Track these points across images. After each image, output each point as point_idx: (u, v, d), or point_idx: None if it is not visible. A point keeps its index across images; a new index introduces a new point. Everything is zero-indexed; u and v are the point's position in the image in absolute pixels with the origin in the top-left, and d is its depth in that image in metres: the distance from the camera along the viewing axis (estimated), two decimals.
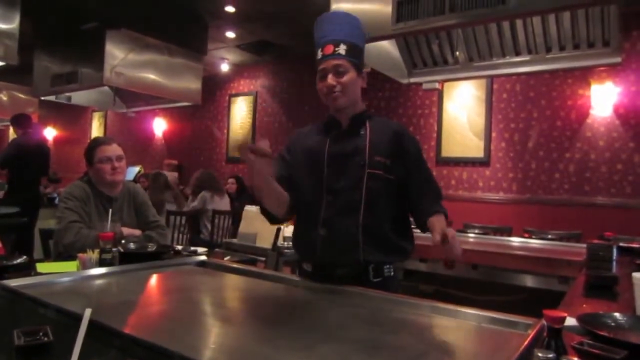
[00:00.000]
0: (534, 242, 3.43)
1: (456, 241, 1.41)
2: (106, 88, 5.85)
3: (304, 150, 1.72)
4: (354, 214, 1.60)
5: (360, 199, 1.60)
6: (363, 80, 1.68)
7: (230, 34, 5.95)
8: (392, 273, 1.66)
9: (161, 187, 5.15)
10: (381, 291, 1.51)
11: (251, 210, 3.66)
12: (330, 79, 1.60)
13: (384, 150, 1.63)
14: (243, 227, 3.69)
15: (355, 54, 1.64)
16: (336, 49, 1.61)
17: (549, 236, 3.78)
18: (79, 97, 6.23)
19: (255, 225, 3.52)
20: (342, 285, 1.52)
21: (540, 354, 0.81)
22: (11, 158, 4.94)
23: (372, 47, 3.55)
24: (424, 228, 1.63)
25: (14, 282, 1.38)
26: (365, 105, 1.76)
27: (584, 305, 1.51)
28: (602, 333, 1.04)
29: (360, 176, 1.61)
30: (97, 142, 2.42)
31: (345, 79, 1.60)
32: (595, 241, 2.11)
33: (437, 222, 1.54)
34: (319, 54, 1.63)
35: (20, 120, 5.19)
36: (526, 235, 3.87)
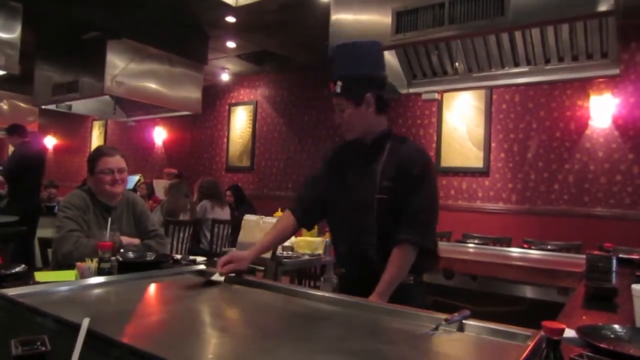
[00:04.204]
0: (534, 253, 3.43)
1: None
2: (107, 97, 5.87)
3: (333, 168, 1.85)
4: (368, 235, 1.69)
5: (373, 221, 1.68)
6: (368, 105, 1.69)
7: (231, 44, 5.98)
8: (411, 281, 1.71)
9: (182, 195, 5.11)
10: (381, 302, 1.51)
11: (250, 219, 3.65)
12: (337, 116, 1.74)
13: (391, 174, 1.69)
14: (242, 237, 3.68)
15: (351, 87, 1.67)
16: (335, 86, 1.69)
17: (549, 247, 3.77)
18: (79, 106, 6.25)
19: (254, 234, 3.50)
20: (342, 296, 1.52)
21: None
22: (17, 170, 4.98)
23: None
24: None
25: (11, 291, 1.37)
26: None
27: (584, 317, 1.50)
28: (601, 345, 1.04)
29: (372, 200, 1.68)
30: (100, 153, 2.40)
31: (345, 115, 1.71)
32: (595, 252, 2.10)
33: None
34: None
35: (17, 130, 5.24)
36: (525, 245, 3.87)
